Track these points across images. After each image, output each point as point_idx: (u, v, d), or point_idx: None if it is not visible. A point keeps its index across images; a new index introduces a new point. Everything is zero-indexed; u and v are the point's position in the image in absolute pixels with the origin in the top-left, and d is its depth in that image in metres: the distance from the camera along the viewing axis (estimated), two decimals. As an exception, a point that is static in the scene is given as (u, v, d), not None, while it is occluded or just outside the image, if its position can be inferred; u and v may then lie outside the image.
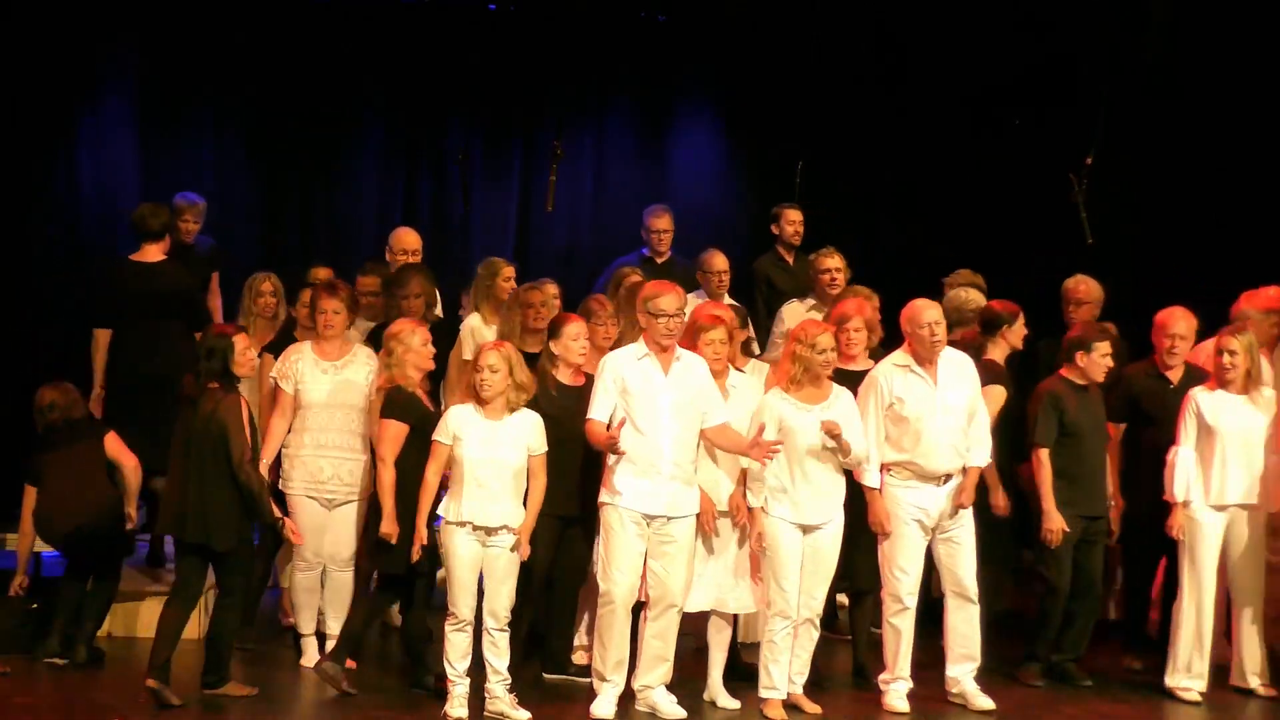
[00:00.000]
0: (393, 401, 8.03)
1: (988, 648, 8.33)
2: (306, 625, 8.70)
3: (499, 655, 7.75)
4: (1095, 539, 8.63)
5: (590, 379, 8.16)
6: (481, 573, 7.77)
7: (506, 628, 7.76)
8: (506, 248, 12.04)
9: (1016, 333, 8.97)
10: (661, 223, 10.75)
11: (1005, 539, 9.00)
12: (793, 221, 10.81)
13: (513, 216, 12.60)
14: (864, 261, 10.81)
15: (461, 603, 7.70)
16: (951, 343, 8.93)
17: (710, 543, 8.01)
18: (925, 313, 8.17)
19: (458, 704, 7.72)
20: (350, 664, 8.24)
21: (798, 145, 11.86)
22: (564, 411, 8.10)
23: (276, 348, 8.93)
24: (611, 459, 7.78)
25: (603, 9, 12.14)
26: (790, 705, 8.03)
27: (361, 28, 12.03)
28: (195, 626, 9.01)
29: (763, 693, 8.00)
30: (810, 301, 9.94)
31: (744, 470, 7.96)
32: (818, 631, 8.10)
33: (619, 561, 7.80)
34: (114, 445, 8.75)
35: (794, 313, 9.91)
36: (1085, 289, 9.53)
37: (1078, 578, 8.60)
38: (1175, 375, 8.79)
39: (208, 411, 7.90)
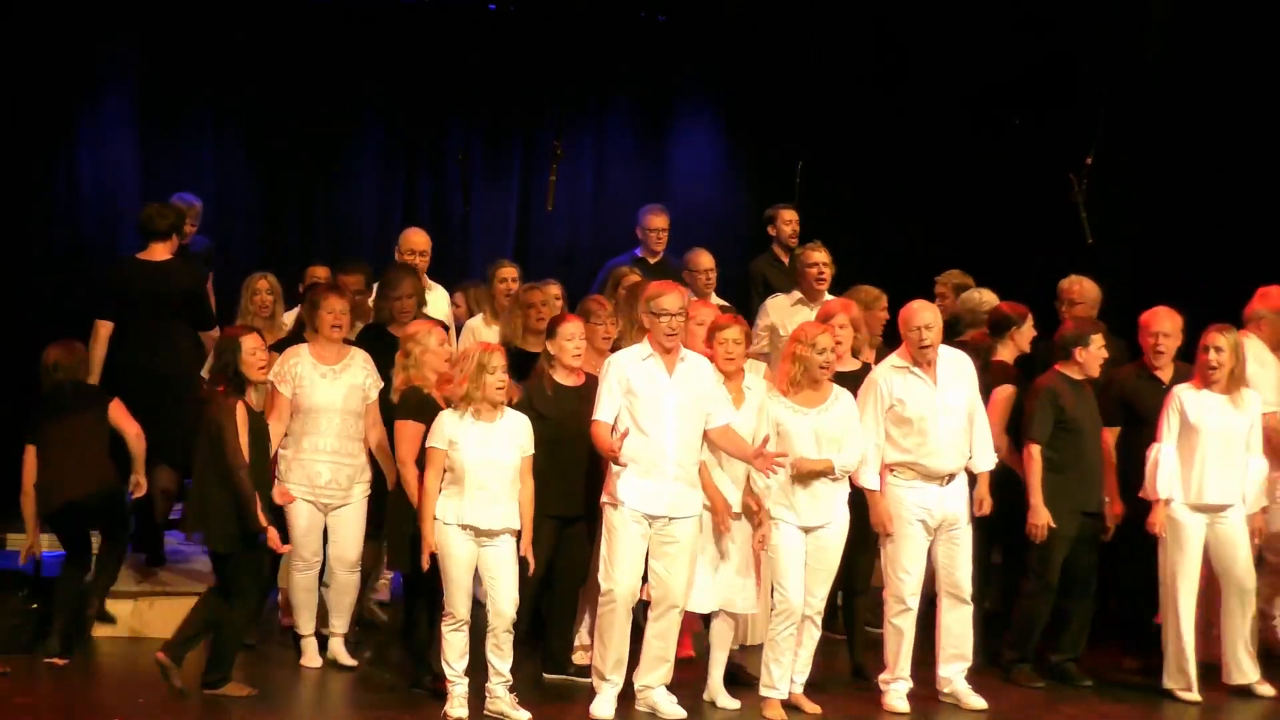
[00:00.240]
0: (409, 402, 8.03)
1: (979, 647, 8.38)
2: (305, 625, 8.70)
3: (502, 656, 7.74)
4: (1091, 536, 8.63)
5: (589, 379, 8.17)
6: (478, 573, 7.77)
7: (512, 628, 7.77)
8: (506, 248, 12.06)
9: (1025, 334, 8.98)
10: (659, 221, 10.73)
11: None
12: (789, 222, 10.80)
13: (513, 216, 12.61)
14: (864, 261, 10.83)
15: (458, 603, 7.70)
16: (964, 343, 8.97)
17: (722, 544, 8.00)
18: (917, 315, 8.17)
19: (457, 704, 7.72)
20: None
21: (798, 145, 11.86)
22: (561, 412, 8.11)
23: (287, 348, 8.90)
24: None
25: (603, 9, 12.14)
26: (790, 705, 8.04)
27: (361, 28, 12.04)
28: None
29: (763, 691, 8.00)
30: (796, 296, 9.92)
31: (749, 472, 7.96)
32: (819, 631, 8.10)
33: (621, 561, 7.80)
34: (118, 412, 8.76)
35: (778, 307, 9.89)
36: (1080, 289, 9.53)
37: (1071, 576, 8.60)
38: (1166, 375, 8.78)
39: (209, 414, 7.93)
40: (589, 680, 8.02)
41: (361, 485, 8.62)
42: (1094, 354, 8.55)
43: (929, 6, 12.06)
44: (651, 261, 10.57)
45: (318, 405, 8.51)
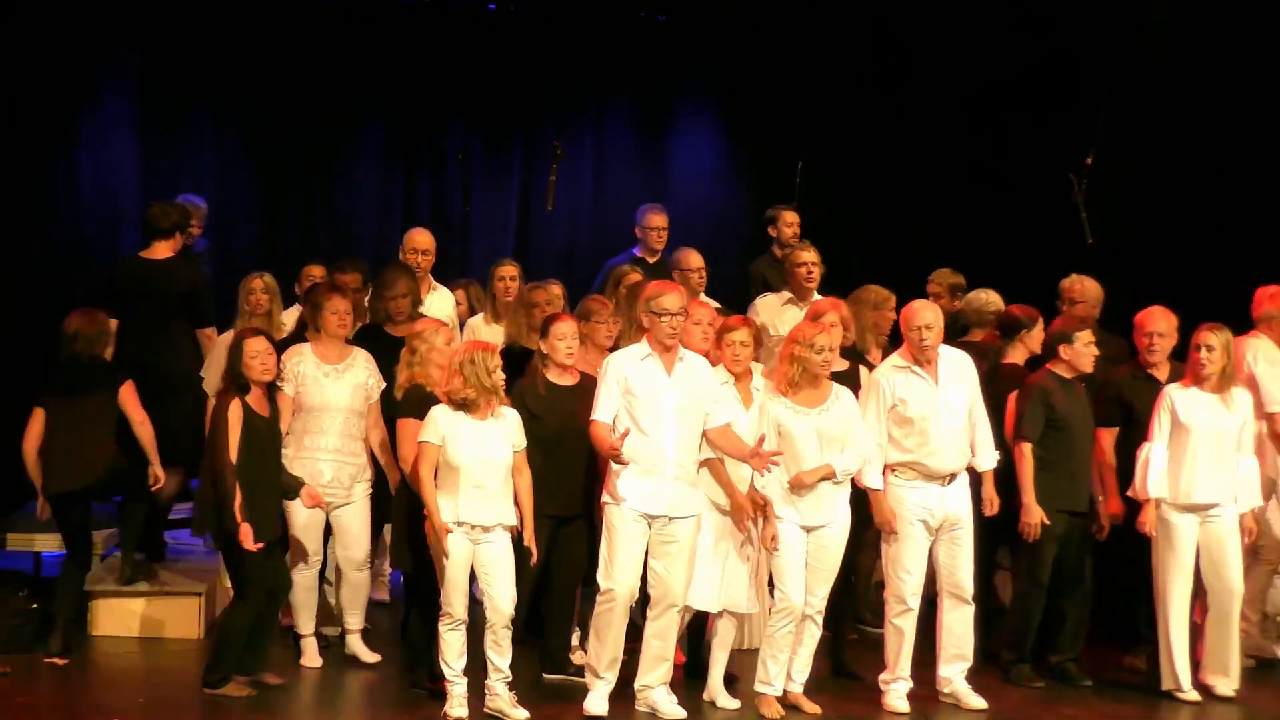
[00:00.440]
0: (412, 400, 8.04)
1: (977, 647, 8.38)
2: (305, 625, 8.71)
3: (501, 653, 7.75)
4: (1080, 535, 8.63)
5: (584, 378, 8.17)
6: (474, 572, 7.77)
7: (510, 625, 7.77)
8: (506, 248, 12.06)
9: (1036, 337, 8.98)
10: (659, 220, 10.71)
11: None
12: (790, 223, 10.79)
13: (513, 216, 12.61)
14: (864, 262, 10.83)
15: (456, 602, 7.70)
16: (971, 344, 8.97)
17: (729, 543, 7.99)
18: (918, 316, 8.18)
19: (457, 704, 7.72)
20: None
21: (798, 145, 11.86)
22: (554, 410, 8.11)
23: (289, 347, 8.90)
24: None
25: (603, 9, 12.14)
26: (790, 705, 8.03)
27: (361, 28, 12.04)
28: (197, 626, 9.06)
29: (758, 687, 8.00)
30: (786, 295, 9.92)
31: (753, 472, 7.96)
32: (819, 630, 8.10)
33: (620, 561, 7.80)
34: (128, 396, 8.75)
35: (768, 306, 9.88)
36: (1080, 288, 9.53)
37: (1064, 575, 8.61)
38: (1162, 374, 8.77)
39: (213, 414, 7.99)
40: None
41: (363, 484, 8.65)
42: (1080, 350, 8.54)
43: (929, 6, 12.06)
44: (651, 261, 10.56)
45: (320, 404, 8.52)
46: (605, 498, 7.87)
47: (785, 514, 7.89)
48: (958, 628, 8.25)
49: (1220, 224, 11.39)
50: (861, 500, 8.14)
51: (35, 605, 8.81)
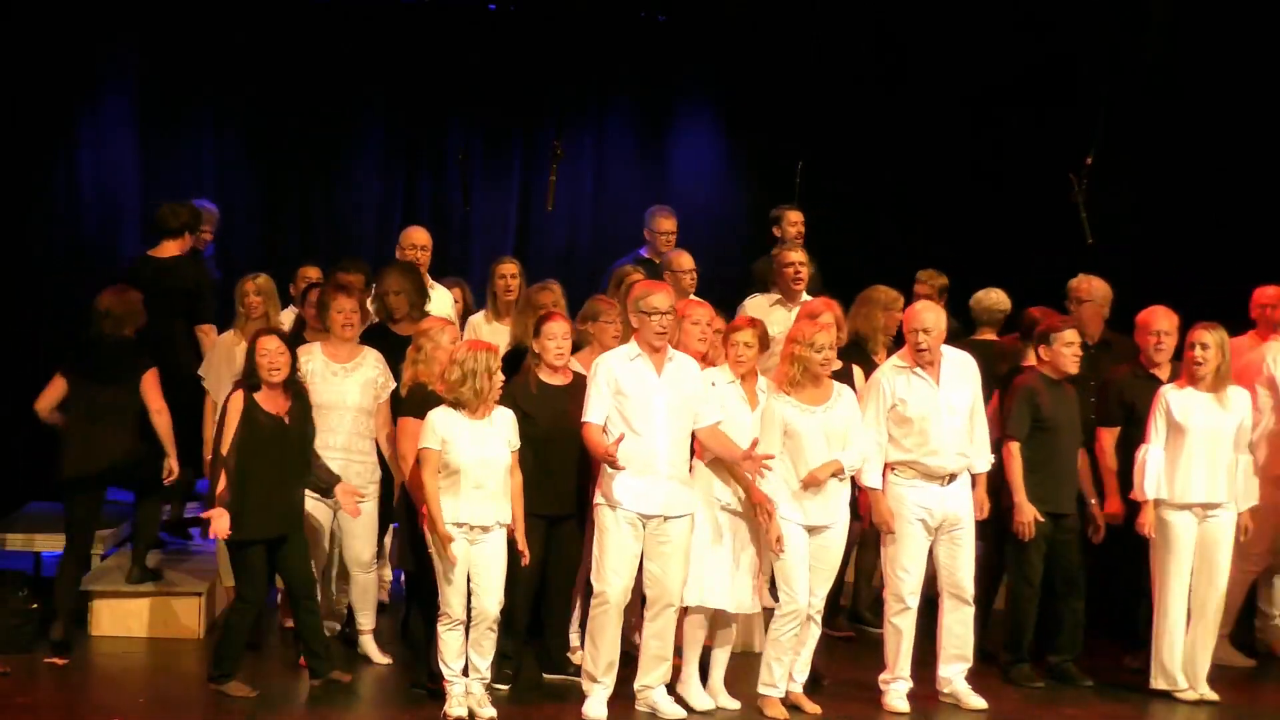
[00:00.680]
0: (414, 398, 8.04)
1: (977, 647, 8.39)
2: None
3: (482, 654, 7.77)
4: (1068, 536, 8.63)
5: (577, 378, 8.16)
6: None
7: (495, 627, 7.77)
8: (506, 248, 12.05)
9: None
10: (667, 224, 10.69)
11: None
12: (794, 223, 10.79)
13: (513, 216, 12.60)
14: (864, 261, 10.82)
15: (454, 602, 7.70)
16: (981, 343, 8.97)
17: (736, 543, 7.97)
18: (918, 317, 8.19)
19: (455, 704, 7.73)
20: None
21: (798, 145, 11.85)
22: (546, 410, 8.10)
23: (299, 347, 8.89)
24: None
25: (603, 9, 12.14)
26: (790, 704, 8.04)
27: (361, 28, 12.03)
28: (197, 626, 9.06)
29: (762, 689, 8.00)
30: (775, 296, 9.91)
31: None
32: (819, 630, 8.10)
33: (613, 562, 7.79)
34: (150, 385, 8.76)
35: (756, 307, 9.86)
36: (1087, 287, 9.53)
37: (1058, 576, 8.62)
38: (1164, 373, 8.78)
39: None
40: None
41: (372, 484, 8.62)
42: (1059, 351, 8.54)
43: (929, 6, 12.06)
44: (658, 262, 10.55)
45: (328, 402, 8.51)
46: (597, 499, 7.86)
47: (790, 514, 7.88)
48: (957, 628, 8.25)
49: (1220, 224, 11.39)
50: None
51: (35, 605, 8.81)
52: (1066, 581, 8.65)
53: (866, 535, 9.25)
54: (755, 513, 7.86)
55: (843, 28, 12.29)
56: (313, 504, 8.51)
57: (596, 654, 7.85)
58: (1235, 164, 11.42)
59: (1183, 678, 8.48)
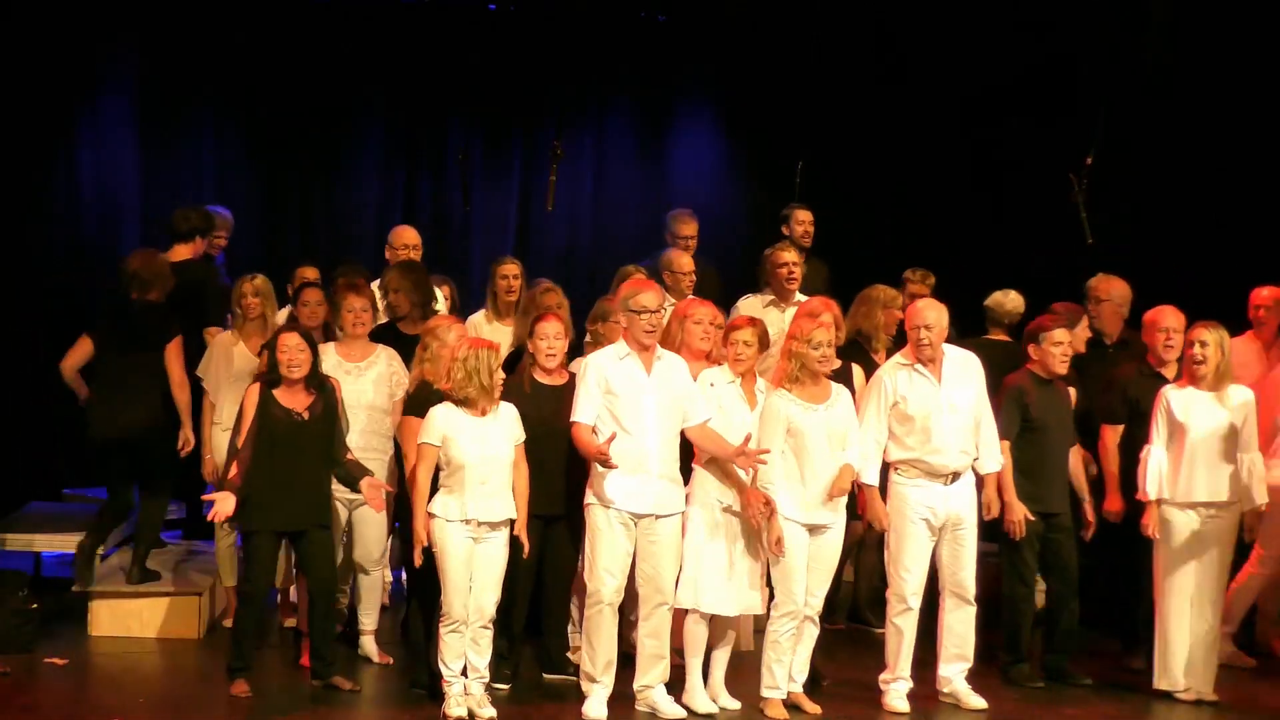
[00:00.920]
0: (418, 397, 8.05)
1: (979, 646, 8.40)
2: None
3: (479, 653, 7.77)
4: (1060, 535, 8.62)
5: (572, 378, 8.15)
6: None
7: (490, 626, 7.77)
8: (506, 248, 12.05)
9: (1080, 336, 8.99)
10: (688, 228, 10.57)
11: None
12: (802, 222, 10.75)
13: (513, 216, 12.60)
14: (864, 261, 10.81)
15: (455, 602, 7.70)
16: (991, 343, 8.97)
17: (738, 545, 7.97)
18: (919, 315, 8.20)
19: (455, 704, 7.72)
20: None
21: (798, 145, 11.86)
22: (540, 410, 8.08)
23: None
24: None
25: (603, 9, 12.14)
26: (790, 704, 8.04)
27: (361, 28, 12.04)
28: (197, 626, 9.06)
29: (764, 691, 8.00)
30: (768, 297, 9.90)
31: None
32: (817, 629, 8.10)
33: (605, 562, 7.79)
34: (173, 354, 8.79)
35: (750, 307, 9.83)
36: (1106, 287, 9.53)
37: (1052, 576, 8.62)
38: (1170, 372, 8.77)
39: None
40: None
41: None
42: (1047, 350, 8.53)
43: (929, 6, 12.06)
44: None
45: (344, 401, 8.49)
46: (589, 498, 7.86)
47: (791, 514, 7.88)
48: (959, 627, 8.25)
49: (1220, 224, 11.39)
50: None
51: (35, 605, 8.80)
52: (1061, 580, 8.65)
53: (868, 535, 9.26)
54: (749, 512, 7.87)
55: (842, 28, 12.30)
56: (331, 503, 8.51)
57: (594, 654, 7.85)
58: (1235, 164, 11.41)
59: (1184, 678, 8.48)
